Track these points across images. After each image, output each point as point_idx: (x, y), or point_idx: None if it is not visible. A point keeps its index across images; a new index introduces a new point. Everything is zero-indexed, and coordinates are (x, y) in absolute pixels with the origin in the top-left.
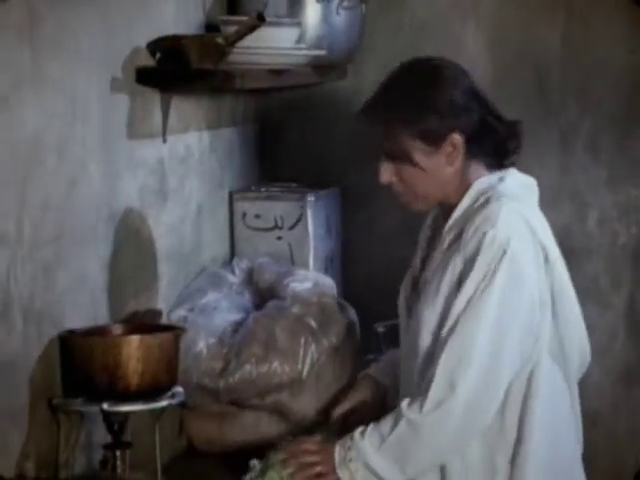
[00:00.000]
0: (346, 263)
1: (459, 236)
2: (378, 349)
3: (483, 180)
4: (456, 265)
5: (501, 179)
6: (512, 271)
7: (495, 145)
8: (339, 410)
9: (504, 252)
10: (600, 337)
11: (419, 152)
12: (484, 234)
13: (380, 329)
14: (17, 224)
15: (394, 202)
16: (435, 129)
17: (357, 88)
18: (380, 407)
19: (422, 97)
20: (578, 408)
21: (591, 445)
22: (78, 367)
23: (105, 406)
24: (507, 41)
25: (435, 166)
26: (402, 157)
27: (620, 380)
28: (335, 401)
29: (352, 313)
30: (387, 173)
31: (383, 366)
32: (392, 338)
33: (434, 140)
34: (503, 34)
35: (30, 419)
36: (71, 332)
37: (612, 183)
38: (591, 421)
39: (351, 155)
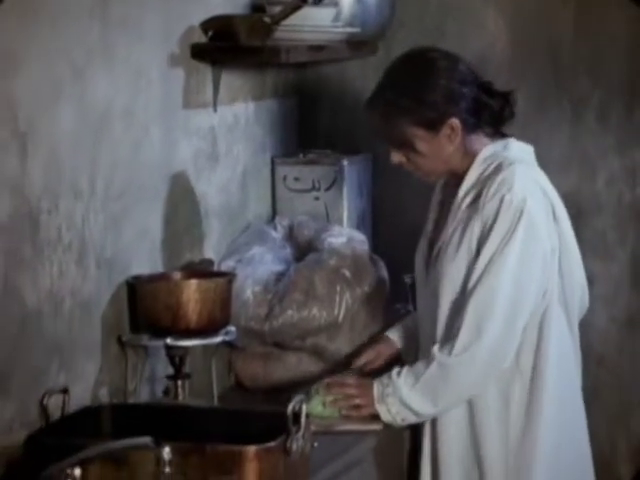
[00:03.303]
0: (376, 221)
1: (476, 200)
2: (405, 298)
3: (488, 148)
4: (475, 226)
5: (505, 147)
6: (529, 228)
7: (491, 116)
8: (358, 362)
9: (521, 212)
10: (606, 287)
11: (419, 139)
12: (502, 197)
13: (407, 280)
14: (90, 181)
15: None
16: (433, 117)
17: (387, 63)
18: (392, 363)
19: (418, 89)
20: (578, 347)
21: (598, 382)
22: (144, 308)
23: (168, 341)
24: (524, 20)
25: (436, 148)
26: (405, 145)
27: (624, 326)
28: (356, 353)
29: (382, 265)
30: (396, 157)
31: (400, 328)
32: None
33: (432, 126)
34: (520, 13)
35: (103, 352)
36: (137, 278)
37: (619, 149)
38: (598, 362)
39: None
